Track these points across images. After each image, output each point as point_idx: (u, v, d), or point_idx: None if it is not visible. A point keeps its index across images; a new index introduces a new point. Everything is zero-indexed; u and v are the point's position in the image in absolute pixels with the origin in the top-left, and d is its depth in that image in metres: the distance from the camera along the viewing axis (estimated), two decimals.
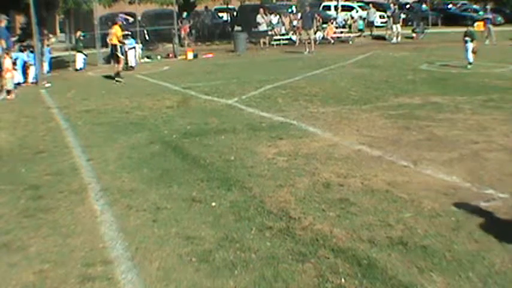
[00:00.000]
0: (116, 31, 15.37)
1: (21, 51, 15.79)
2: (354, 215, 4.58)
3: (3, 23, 13.99)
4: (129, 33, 19.73)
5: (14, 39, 16.96)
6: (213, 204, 4.99)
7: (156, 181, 5.77)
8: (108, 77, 15.57)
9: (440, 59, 17.19)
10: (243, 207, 4.88)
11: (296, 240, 4.13)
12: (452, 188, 5.15)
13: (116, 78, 14.84)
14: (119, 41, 15.40)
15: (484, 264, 3.65)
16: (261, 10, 25.77)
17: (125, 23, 20.67)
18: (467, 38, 14.70)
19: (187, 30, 26.55)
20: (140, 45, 21.67)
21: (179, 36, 24.50)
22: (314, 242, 4.08)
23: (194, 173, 5.97)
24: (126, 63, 19.35)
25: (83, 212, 4.98)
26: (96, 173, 6.20)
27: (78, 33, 20.05)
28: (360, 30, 28.95)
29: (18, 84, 14.89)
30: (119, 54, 15.32)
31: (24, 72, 15.42)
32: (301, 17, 24.51)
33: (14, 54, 15.15)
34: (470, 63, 14.48)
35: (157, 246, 4.14)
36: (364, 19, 30.10)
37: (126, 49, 18.42)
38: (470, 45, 14.60)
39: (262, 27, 25.26)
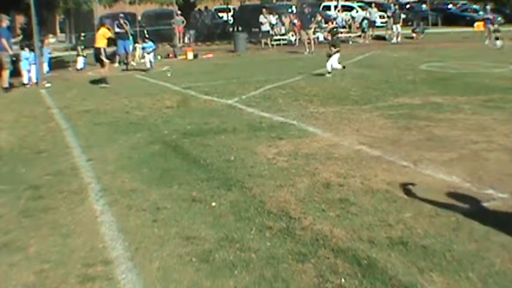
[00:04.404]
0: (104, 33, 14.60)
1: (22, 48, 15.79)
2: (354, 215, 4.58)
3: (5, 23, 14.03)
4: (147, 35, 19.37)
5: (14, 40, 16.99)
6: (213, 204, 4.99)
7: (156, 181, 5.77)
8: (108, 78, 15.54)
9: (440, 59, 17.19)
10: (243, 207, 4.88)
11: (296, 240, 4.12)
12: (452, 188, 5.15)
13: (101, 85, 14.02)
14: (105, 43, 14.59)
15: (484, 264, 3.65)
16: (264, 10, 25.75)
17: (126, 21, 20.51)
18: (333, 49, 13.74)
19: (182, 30, 26.46)
20: (141, 45, 21.66)
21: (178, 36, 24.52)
22: (314, 242, 4.08)
23: (194, 173, 5.97)
24: (126, 63, 19.44)
25: (83, 212, 4.98)
26: (96, 173, 6.20)
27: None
28: (364, 32, 28.69)
29: (25, 84, 14.98)
30: (103, 58, 14.49)
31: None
32: (300, 17, 24.53)
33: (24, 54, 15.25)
34: (329, 73, 13.67)
35: (157, 246, 4.13)
36: (367, 19, 29.99)
37: (142, 52, 18.30)
38: (335, 56, 13.75)
39: (265, 27, 25.24)
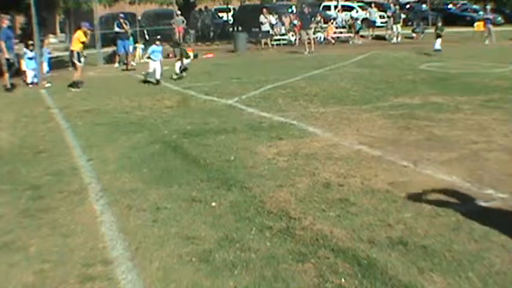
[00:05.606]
0: (79, 36, 14.25)
1: (26, 47, 15.73)
2: (354, 215, 4.58)
3: (6, 23, 14.01)
4: (159, 37, 16.93)
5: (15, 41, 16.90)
6: (213, 204, 4.99)
7: (156, 181, 5.77)
8: (107, 77, 15.54)
9: (440, 59, 17.19)
10: (243, 207, 4.88)
11: (296, 240, 4.12)
12: (452, 188, 5.15)
13: (70, 88, 13.72)
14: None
15: (484, 264, 3.65)
16: (264, 10, 25.75)
17: (126, 21, 20.42)
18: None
19: (182, 31, 26.44)
20: (142, 45, 21.68)
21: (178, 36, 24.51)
22: (314, 242, 4.08)
23: (194, 173, 5.97)
24: (126, 63, 19.42)
25: (83, 212, 4.98)
26: (96, 173, 6.20)
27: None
28: (357, 32, 28.52)
29: (29, 84, 14.96)
30: (75, 61, 14.23)
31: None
32: (300, 17, 24.53)
33: (30, 53, 15.21)
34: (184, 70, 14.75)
35: (157, 246, 4.13)
36: (364, 19, 29.96)
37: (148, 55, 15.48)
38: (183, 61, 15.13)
39: (265, 27, 25.24)
